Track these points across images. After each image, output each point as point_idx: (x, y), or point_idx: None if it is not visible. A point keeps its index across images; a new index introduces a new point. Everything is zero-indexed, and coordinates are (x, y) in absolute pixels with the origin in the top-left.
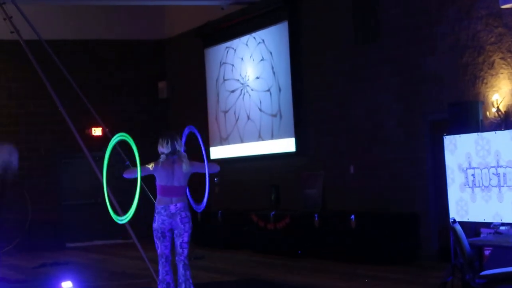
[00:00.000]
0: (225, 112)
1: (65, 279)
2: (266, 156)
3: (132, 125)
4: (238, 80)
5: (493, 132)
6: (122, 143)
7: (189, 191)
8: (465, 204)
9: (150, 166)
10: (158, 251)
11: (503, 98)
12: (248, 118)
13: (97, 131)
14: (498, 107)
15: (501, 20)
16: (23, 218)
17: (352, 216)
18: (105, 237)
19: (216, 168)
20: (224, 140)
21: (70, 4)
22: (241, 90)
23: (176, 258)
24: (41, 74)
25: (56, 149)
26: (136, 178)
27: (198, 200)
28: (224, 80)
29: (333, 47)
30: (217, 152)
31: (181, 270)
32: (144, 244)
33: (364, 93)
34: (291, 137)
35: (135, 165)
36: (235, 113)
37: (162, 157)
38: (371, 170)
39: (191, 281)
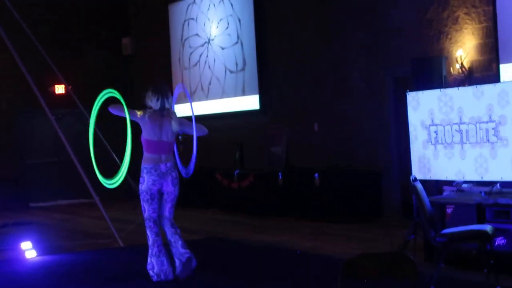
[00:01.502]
0: (189, 69)
1: (25, 240)
2: (230, 114)
3: (95, 82)
4: (202, 36)
5: (455, 88)
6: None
7: (177, 151)
8: (428, 161)
9: (139, 113)
10: (145, 214)
11: (467, 54)
12: (212, 75)
13: (60, 89)
14: (462, 63)
15: None
16: None
17: (316, 174)
18: (69, 197)
19: (204, 131)
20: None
21: None
22: (205, 46)
23: (162, 221)
24: None
25: (18, 105)
26: (123, 118)
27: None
28: (188, 36)
29: (297, 2)
30: (182, 109)
31: (170, 229)
32: (108, 203)
33: (328, 49)
34: (255, 94)
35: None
36: (199, 69)
37: (149, 110)
38: (335, 126)
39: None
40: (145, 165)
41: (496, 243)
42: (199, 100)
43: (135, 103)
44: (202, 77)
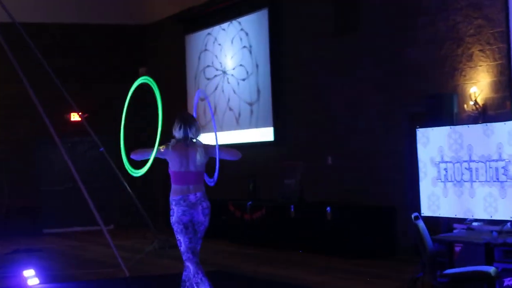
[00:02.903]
0: (204, 99)
1: (30, 267)
2: (244, 145)
3: (111, 111)
4: (217, 67)
5: (466, 126)
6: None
7: None
8: (437, 199)
9: (162, 147)
10: (182, 248)
11: (481, 91)
12: (227, 106)
13: (76, 116)
14: (475, 100)
15: (481, 12)
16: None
17: (328, 208)
18: (84, 224)
19: (237, 155)
20: (203, 128)
21: None
22: (220, 77)
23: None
24: (11, 58)
25: (34, 133)
26: (146, 160)
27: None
28: (204, 67)
29: (313, 37)
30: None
31: (194, 269)
32: (122, 232)
33: (343, 84)
34: (270, 126)
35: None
36: (214, 100)
37: (173, 141)
38: (349, 161)
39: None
40: (173, 197)
41: (505, 284)
42: (214, 130)
43: (150, 135)
44: (217, 108)
